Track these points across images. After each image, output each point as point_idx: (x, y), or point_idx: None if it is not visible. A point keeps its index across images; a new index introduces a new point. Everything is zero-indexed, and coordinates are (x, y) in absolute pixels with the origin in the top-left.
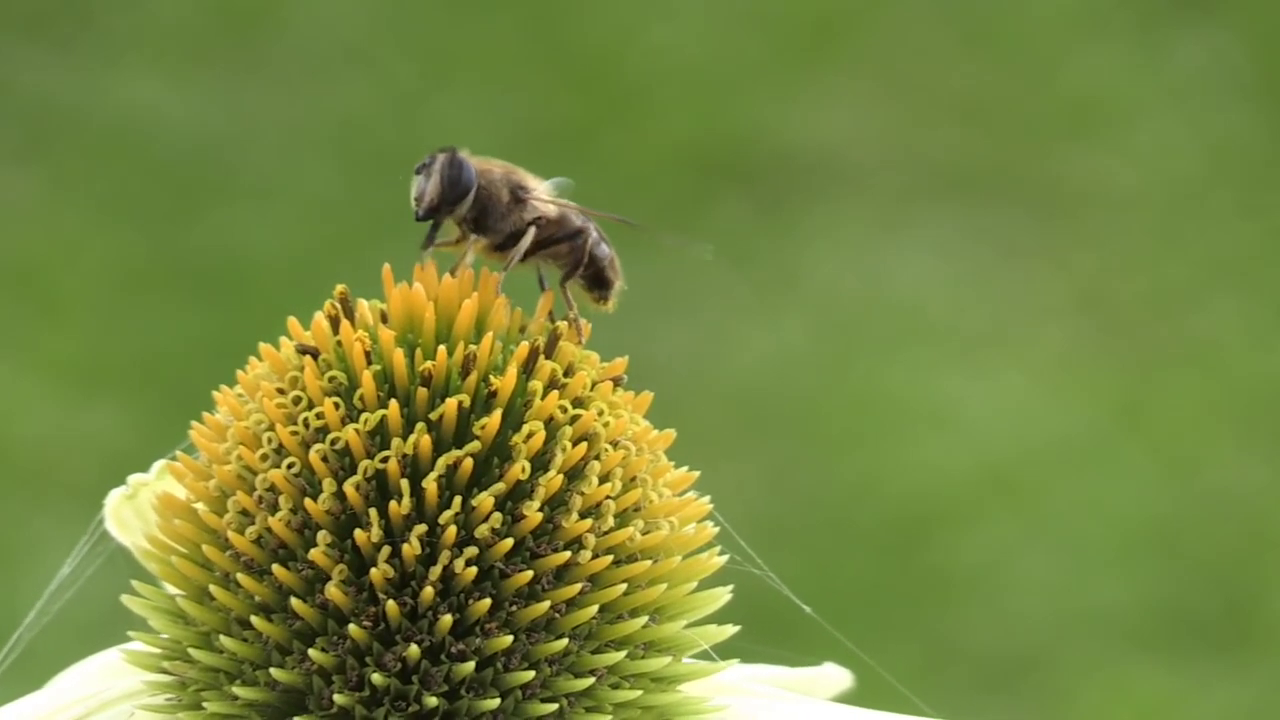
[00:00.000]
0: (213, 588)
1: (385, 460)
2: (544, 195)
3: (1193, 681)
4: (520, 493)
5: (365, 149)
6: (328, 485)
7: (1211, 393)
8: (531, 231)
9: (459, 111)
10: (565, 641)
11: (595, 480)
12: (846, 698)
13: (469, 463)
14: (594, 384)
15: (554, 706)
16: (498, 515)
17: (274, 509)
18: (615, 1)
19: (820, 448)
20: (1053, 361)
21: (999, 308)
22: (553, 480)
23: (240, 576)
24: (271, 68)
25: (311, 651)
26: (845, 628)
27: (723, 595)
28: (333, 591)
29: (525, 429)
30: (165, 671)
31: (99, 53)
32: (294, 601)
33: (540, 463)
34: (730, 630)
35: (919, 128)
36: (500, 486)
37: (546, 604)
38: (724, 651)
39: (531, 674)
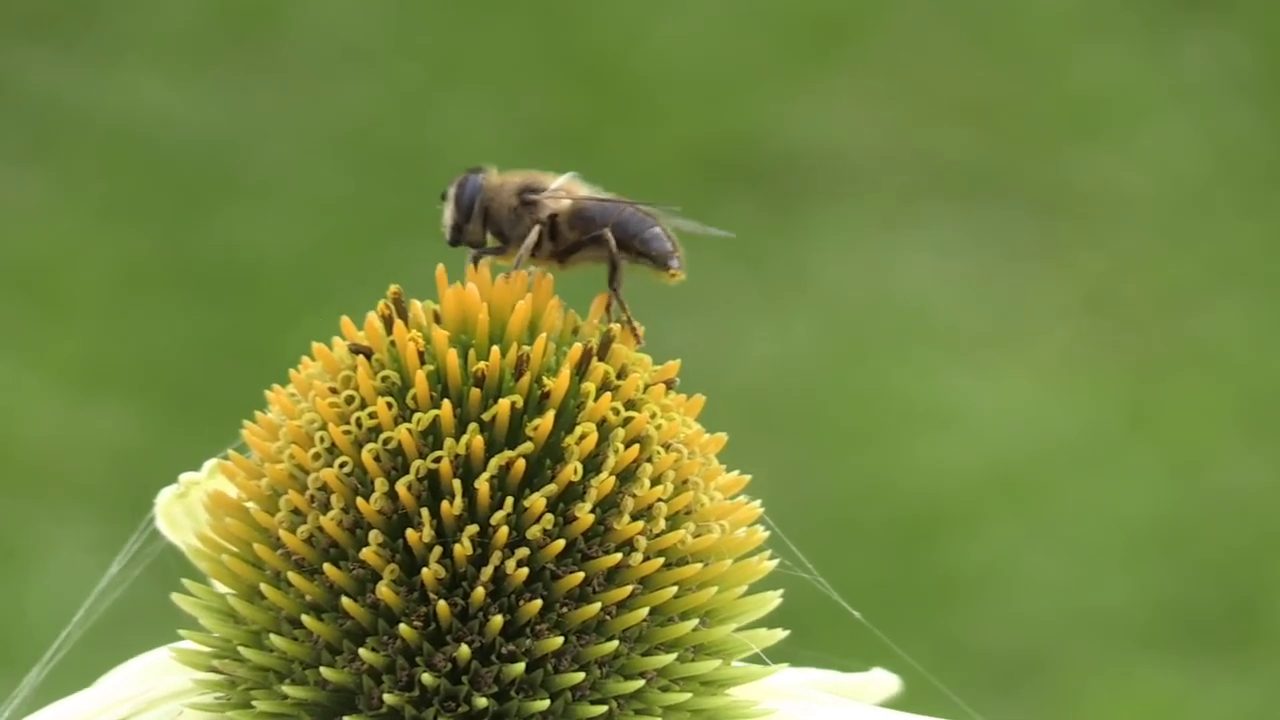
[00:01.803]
0: (263, 586)
1: (438, 460)
2: (558, 192)
3: (1198, 681)
4: (572, 494)
5: (371, 149)
6: (380, 485)
7: (1217, 393)
8: (535, 231)
9: (465, 111)
10: (616, 644)
11: (647, 483)
12: (894, 703)
13: (521, 463)
14: (647, 386)
15: (604, 709)
16: (549, 516)
17: (326, 508)
18: (622, 1)
19: (826, 447)
20: (1058, 362)
21: (1004, 308)
22: (605, 482)
23: (291, 575)
24: (276, 68)
25: (362, 651)
26: (853, 628)
27: (773, 599)
28: (384, 591)
29: (578, 430)
30: (215, 670)
31: (103, 53)
32: (345, 601)
33: (592, 464)
34: (780, 634)
35: (925, 128)
36: (552, 488)
37: (597, 606)
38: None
39: (581, 676)
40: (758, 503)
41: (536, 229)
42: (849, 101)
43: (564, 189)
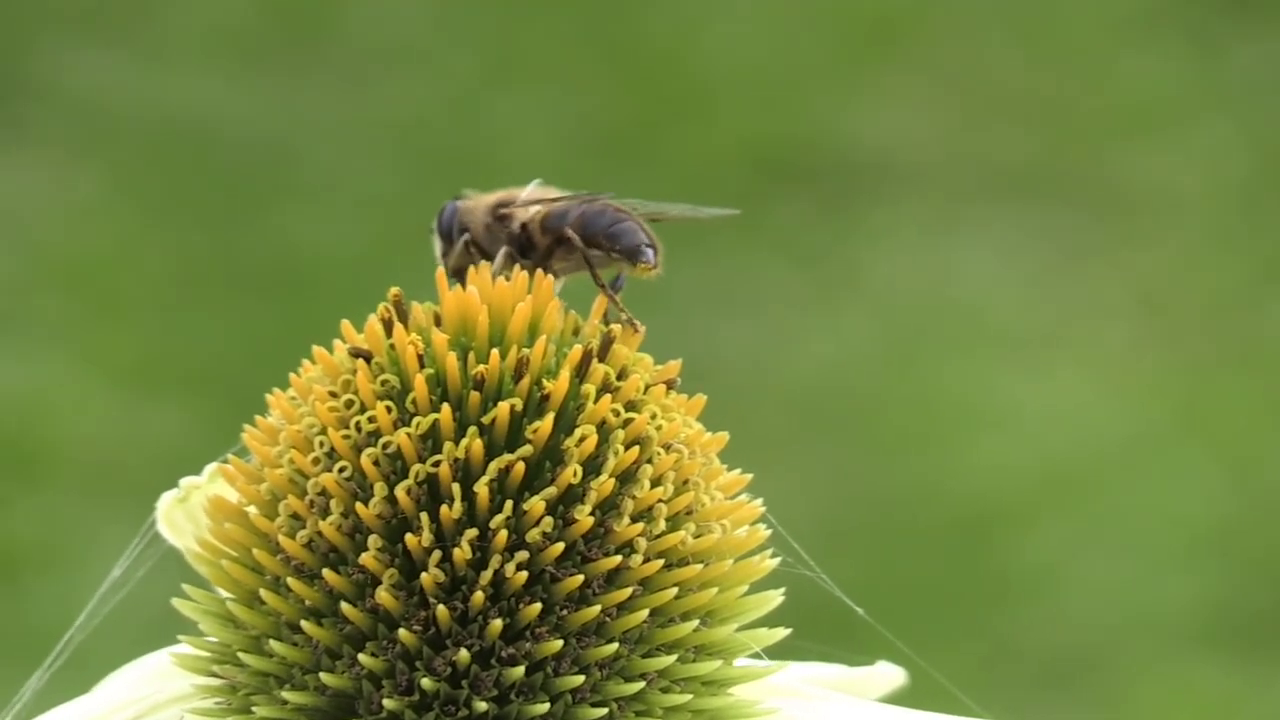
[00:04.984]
0: (263, 592)
1: (437, 464)
2: (527, 202)
3: (1252, 681)
4: (572, 497)
5: (423, 148)
6: (379, 489)
7: (1271, 393)
8: (503, 251)
9: (517, 110)
10: (616, 646)
11: (647, 484)
12: (901, 695)
13: (521, 467)
14: (647, 387)
15: (604, 711)
16: (549, 519)
17: (325, 513)
18: (676, 0)
19: (881, 448)
20: (1113, 362)
21: (1059, 308)
22: (604, 484)
23: (291, 580)
24: (329, 66)
25: (361, 656)
26: (907, 628)
27: (775, 598)
28: (383, 596)
29: (578, 433)
30: (215, 675)
31: (156, 51)
32: (344, 606)
33: (592, 466)
34: (782, 633)
35: (977, 128)
36: (552, 490)
37: (597, 608)
38: (783, 650)
39: (581, 678)
40: (759, 501)
41: (504, 250)
42: (903, 102)
43: (533, 197)
